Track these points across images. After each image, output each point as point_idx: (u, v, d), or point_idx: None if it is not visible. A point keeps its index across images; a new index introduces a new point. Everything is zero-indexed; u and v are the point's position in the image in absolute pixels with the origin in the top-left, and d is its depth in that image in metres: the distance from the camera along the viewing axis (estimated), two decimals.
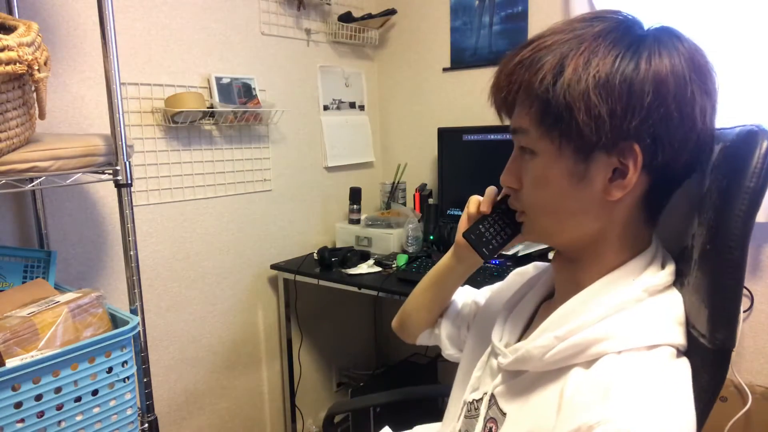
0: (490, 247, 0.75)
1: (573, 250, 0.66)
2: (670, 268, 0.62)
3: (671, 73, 0.55)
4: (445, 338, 0.94)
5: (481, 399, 0.71)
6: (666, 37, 0.58)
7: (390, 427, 1.11)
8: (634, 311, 0.59)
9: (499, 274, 1.65)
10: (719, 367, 0.57)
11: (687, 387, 0.55)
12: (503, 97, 0.62)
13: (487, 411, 0.69)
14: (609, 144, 0.56)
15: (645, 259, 0.62)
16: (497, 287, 0.90)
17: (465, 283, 0.95)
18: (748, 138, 0.55)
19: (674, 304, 0.60)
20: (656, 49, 0.56)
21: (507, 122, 0.66)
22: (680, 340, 0.58)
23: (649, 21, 0.61)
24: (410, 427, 1.06)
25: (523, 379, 0.65)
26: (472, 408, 0.73)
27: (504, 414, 0.65)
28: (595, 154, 0.58)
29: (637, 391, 0.52)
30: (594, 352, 0.57)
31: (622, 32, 0.57)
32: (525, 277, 0.84)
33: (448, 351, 0.94)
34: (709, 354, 0.57)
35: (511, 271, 1.78)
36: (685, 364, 0.57)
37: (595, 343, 0.57)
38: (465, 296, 0.96)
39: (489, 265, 1.75)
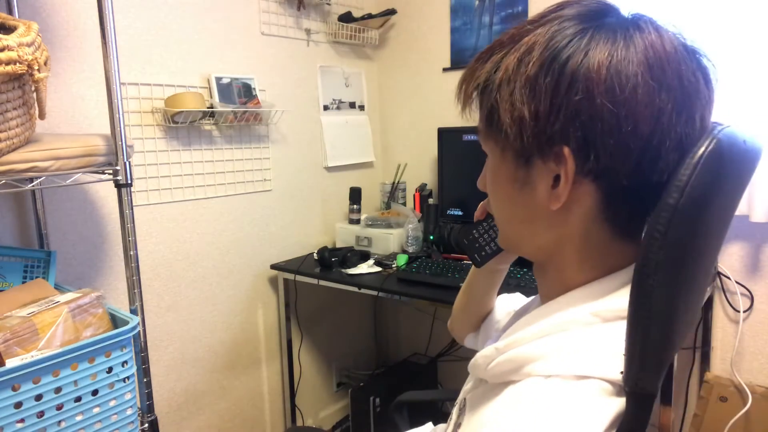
0: (483, 253, 0.74)
1: (537, 261, 0.62)
2: None
3: (607, 67, 0.47)
4: (481, 345, 0.91)
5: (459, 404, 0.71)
6: (623, 25, 0.50)
7: (390, 426, 1.11)
8: (576, 335, 0.52)
9: None
10: (635, 412, 0.48)
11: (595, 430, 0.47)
12: (461, 97, 0.58)
13: (458, 416, 0.67)
14: (537, 149, 0.51)
15: (620, 279, 0.54)
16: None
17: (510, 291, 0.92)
18: (701, 141, 0.47)
19: None
20: (599, 40, 0.49)
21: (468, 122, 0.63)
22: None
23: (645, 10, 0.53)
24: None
25: (484, 389, 0.62)
26: (452, 411, 0.73)
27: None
28: (533, 159, 0.52)
29: (529, 425, 0.47)
30: (525, 371, 0.52)
31: (577, 20, 0.51)
32: None
33: None
34: (626, 395, 0.50)
35: (512, 272, 1.78)
36: (613, 404, 0.49)
37: (528, 363, 0.53)
38: (508, 304, 0.93)
39: None
